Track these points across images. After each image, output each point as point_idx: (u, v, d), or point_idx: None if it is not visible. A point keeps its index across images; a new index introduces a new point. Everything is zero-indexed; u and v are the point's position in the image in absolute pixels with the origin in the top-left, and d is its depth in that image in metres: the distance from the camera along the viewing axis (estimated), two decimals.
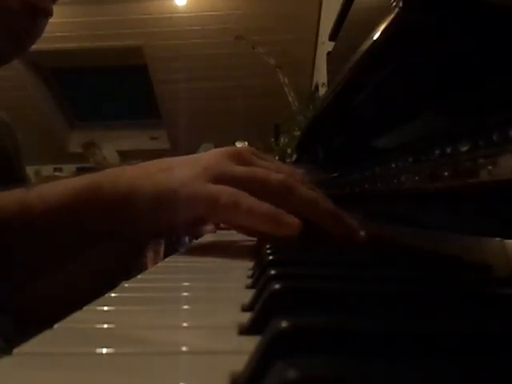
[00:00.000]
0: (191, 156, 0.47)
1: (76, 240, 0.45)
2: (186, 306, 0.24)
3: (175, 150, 4.57)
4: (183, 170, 0.44)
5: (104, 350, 0.16)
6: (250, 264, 0.36)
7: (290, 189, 0.42)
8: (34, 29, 0.61)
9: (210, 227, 0.75)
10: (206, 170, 0.43)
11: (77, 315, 0.21)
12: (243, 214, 0.41)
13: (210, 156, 0.46)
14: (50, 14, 0.61)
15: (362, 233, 0.44)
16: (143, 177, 0.44)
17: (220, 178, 0.42)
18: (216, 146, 0.53)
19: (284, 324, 0.13)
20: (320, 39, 3.48)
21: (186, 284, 0.31)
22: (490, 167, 0.28)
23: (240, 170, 0.44)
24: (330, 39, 0.88)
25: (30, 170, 0.78)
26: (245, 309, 0.22)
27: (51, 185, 0.44)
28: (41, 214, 0.42)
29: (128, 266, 0.56)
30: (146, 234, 0.49)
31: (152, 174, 0.44)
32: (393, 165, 0.45)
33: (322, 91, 2.25)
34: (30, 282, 0.46)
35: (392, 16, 0.33)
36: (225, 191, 0.41)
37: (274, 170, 0.45)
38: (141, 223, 0.44)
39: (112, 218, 0.44)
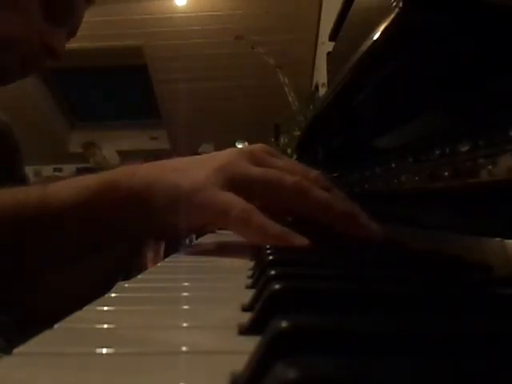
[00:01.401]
0: (206, 155, 0.47)
1: (89, 238, 0.45)
2: (185, 306, 0.24)
3: (175, 150, 4.57)
4: (197, 171, 0.43)
5: (104, 350, 0.16)
6: (250, 264, 0.36)
7: (303, 191, 0.42)
8: (42, 63, 0.65)
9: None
10: (221, 170, 0.43)
11: (77, 315, 0.21)
12: (253, 232, 0.40)
13: (224, 156, 0.45)
14: (61, 58, 0.64)
15: (379, 231, 0.43)
16: (159, 176, 0.44)
17: (234, 180, 0.42)
18: (216, 146, 0.53)
19: (284, 324, 0.13)
20: (320, 39, 3.48)
21: (185, 284, 0.31)
22: (490, 167, 0.28)
23: (254, 171, 0.43)
24: (330, 39, 0.88)
25: (29, 170, 0.79)
26: (245, 309, 0.22)
27: (68, 182, 0.45)
28: (57, 210, 0.42)
29: (128, 266, 0.56)
30: (154, 234, 0.49)
31: (167, 173, 0.44)
32: (393, 165, 0.45)
33: (322, 91, 2.25)
34: (40, 278, 0.47)
35: (392, 16, 0.33)
36: (237, 204, 0.41)
37: (288, 169, 0.44)
38: (153, 222, 0.45)
39: (127, 216, 0.44)
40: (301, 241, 0.40)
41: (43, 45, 0.61)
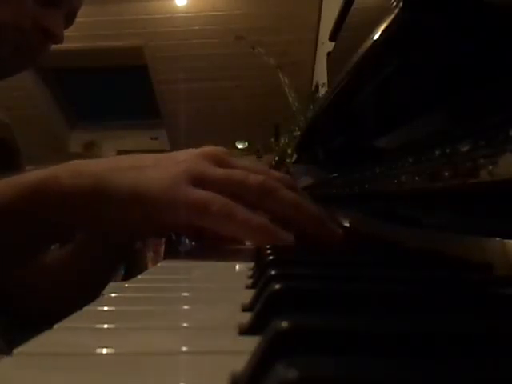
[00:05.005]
0: (164, 155, 0.45)
1: (35, 237, 0.43)
2: (186, 306, 0.24)
3: (175, 150, 4.57)
4: (160, 170, 0.41)
5: (104, 350, 0.16)
6: (250, 264, 0.36)
7: (270, 191, 0.41)
8: (41, 50, 0.62)
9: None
10: (185, 171, 0.41)
11: (77, 315, 0.21)
12: (237, 226, 0.39)
13: (186, 156, 0.43)
14: (61, 41, 0.61)
15: (341, 235, 0.43)
16: (114, 171, 0.41)
17: (199, 180, 0.40)
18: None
19: (284, 324, 0.13)
20: (320, 39, 3.48)
21: (185, 284, 0.31)
22: (490, 167, 0.28)
23: (218, 171, 0.42)
24: (330, 39, 0.88)
25: (30, 170, 0.78)
26: (245, 309, 0.22)
27: (6, 180, 0.42)
28: None
29: (115, 269, 0.56)
30: (118, 235, 0.46)
31: (124, 169, 0.41)
32: (393, 165, 0.45)
33: (322, 91, 2.25)
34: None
35: (392, 16, 0.33)
36: (216, 199, 0.39)
37: (251, 171, 0.43)
38: (111, 222, 0.42)
39: (74, 213, 0.41)
40: (286, 236, 0.39)
41: (39, 29, 0.59)
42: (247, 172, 0.42)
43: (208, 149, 0.45)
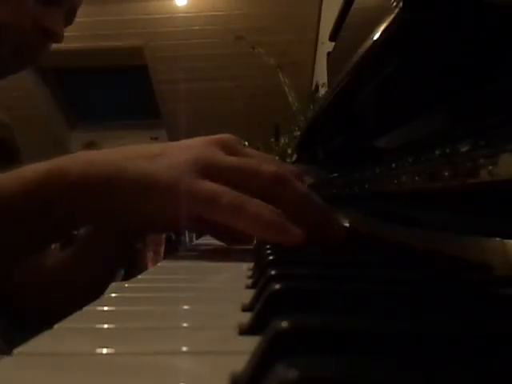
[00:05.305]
0: (174, 144, 0.44)
1: (41, 230, 0.42)
2: (186, 306, 0.24)
3: None
4: (170, 160, 0.40)
5: (104, 350, 0.16)
6: (250, 264, 0.36)
7: (282, 181, 0.40)
8: (41, 50, 0.61)
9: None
10: (195, 160, 0.40)
11: (77, 315, 0.21)
12: (247, 219, 0.38)
13: (196, 144, 0.42)
14: (61, 39, 0.61)
15: (343, 234, 0.43)
16: (123, 162, 0.40)
17: (211, 169, 0.39)
18: None
19: (284, 324, 0.13)
20: (320, 39, 3.49)
21: (185, 284, 0.31)
22: (490, 167, 0.28)
23: (230, 159, 0.41)
24: (330, 39, 0.88)
25: None
26: (245, 309, 0.22)
27: (13, 172, 0.40)
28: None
29: (116, 270, 0.55)
30: (126, 227, 0.45)
31: (132, 159, 0.40)
32: (393, 165, 0.45)
33: (322, 91, 2.25)
34: None
35: (392, 16, 0.33)
36: (227, 191, 0.38)
37: (262, 160, 0.42)
38: (121, 214, 0.41)
39: (79, 204, 0.40)
40: (298, 233, 0.38)
41: (39, 29, 0.58)
42: (259, 161, 0.41)
43: (218, 136, 0.44)
